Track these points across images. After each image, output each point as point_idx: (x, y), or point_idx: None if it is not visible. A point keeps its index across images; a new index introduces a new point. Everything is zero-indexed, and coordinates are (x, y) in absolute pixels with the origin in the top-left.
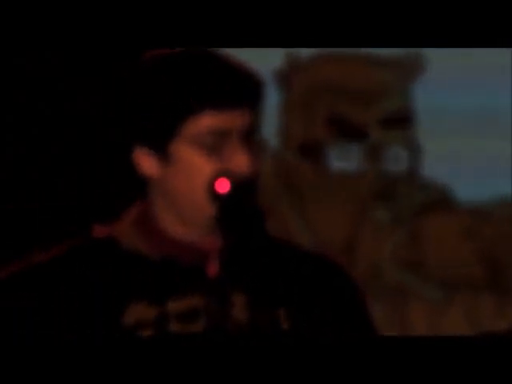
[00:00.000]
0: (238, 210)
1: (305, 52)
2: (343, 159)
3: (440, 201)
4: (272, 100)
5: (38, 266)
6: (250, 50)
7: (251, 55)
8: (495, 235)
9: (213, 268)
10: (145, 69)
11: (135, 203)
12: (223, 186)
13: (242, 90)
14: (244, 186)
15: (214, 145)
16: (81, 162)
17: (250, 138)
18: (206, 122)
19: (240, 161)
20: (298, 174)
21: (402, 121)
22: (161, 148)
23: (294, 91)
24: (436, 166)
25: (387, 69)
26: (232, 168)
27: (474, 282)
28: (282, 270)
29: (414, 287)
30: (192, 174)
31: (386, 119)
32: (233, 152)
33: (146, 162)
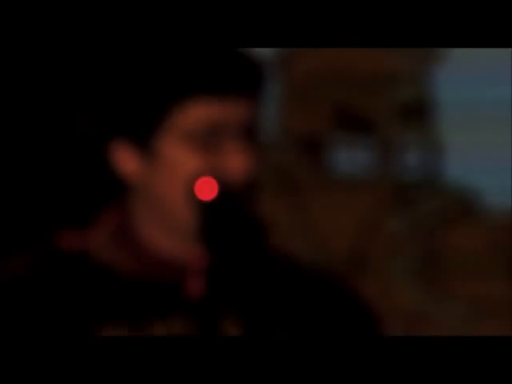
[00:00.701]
0: (226, 222)
1: None
2: (350, 157)
3: (464, 207)
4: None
5: None
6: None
7: None
8: None
9: (194, 288)
10: (126, 51)
11: (109, 208)
12: (209, 191)
13: (242, 74)
14: (235, 192)
15: (207, 140)
16: (44, 158)
17: (249, 134)
18: (198, 112)
19: (235, 161)
20: (299, 176)
21: (417, 112)
22: (143, 141)
23: (294, 79)
24: (460, 167)
25: (398, 53)
26: (225, 169)
27: (504, 302)
28: (279, 291)
29: (433, 309)
30: (176, 175)
31: (398, 110)
32: (228, 150)
33: (126, 158)
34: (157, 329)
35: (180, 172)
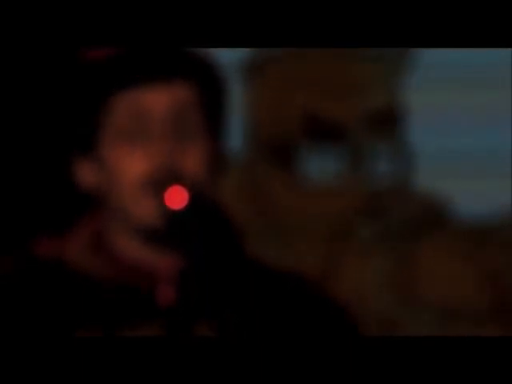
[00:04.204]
0: (198, 229)
1: None
2: (321, 164)
3: (435, 214)
4: (237, 97)
5: None
6: None
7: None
8: (498, 250)
9: (164, 295)
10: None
11: (86, 217)
12: (178, 200)
13: (160, 58)
14: (205, 200)
15: (133, 133)
16: (20, 171)
17: (186, 120)
18: (119, 103)
19: (158, 150)
20: (269, 183)
21: (388, 120)
22: (88, 151)
23: (265, 85)
24: (430, 174)
25: (369, 62)
26: (161, 165)
27: (476, 311)
28: (253, 297)
29: (405, 314)
30: (119, 177)
31: (369, 117)
32: (154, 140)
33: (85, 172)
34: (130, 335)
35: (127, 175)
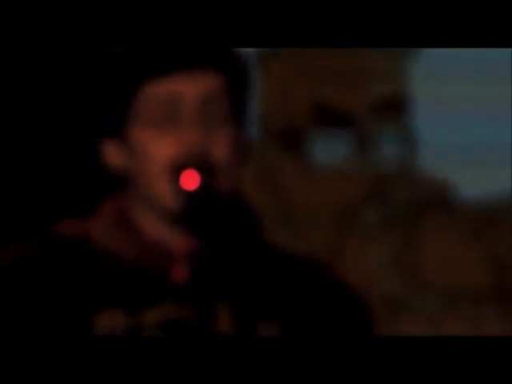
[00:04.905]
0: (209, 210)
1: None
2: (330, 149)
3: (439, 199)
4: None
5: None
6: None
7: None
8: (498, 231)
9: (181, 273)
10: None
11: (110, 198)
12: (192, 182)
13: (187, 51)
14: (217, 182)
15: (164, 119)
16: (50, 157)
17: (214, 108)
18: (152, 91)
19: (188, 136)
20: (280, 171)
21: (395, 107)
22: (119, 134)
23: (274, 75)
24: (435, 159)
25: (377, 52)
26: (189, 151)
27: (477, 291)
28: (267, 277)
29: (408, 297)
30: (147, 161)
31: (376, 105)
32: (184, 126)
33: (113, 155)
34: (149, 313)
35: (150, 158)
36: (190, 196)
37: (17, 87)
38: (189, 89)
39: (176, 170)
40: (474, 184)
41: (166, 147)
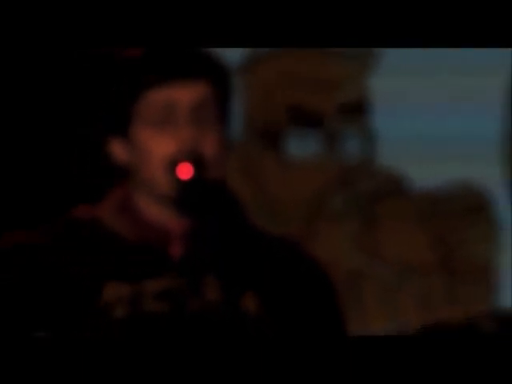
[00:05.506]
0: (201, 195)
1: None
2: (302, 146)
3: (395, 188)
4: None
5: (21, 245)
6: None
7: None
8: (445, 217)
9: (176, 250)
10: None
11: (116, 187)
12: (186, 173)
13: (186, 61)
14: (207, 173)
15: (163, 121)
16: (62, 154)
17: (205, 112)
18: (152, 96)
19: (183, 135)
20: (260, 164)
21: (358, 110)
22: (123, 133)
23: (256, 80)
24: (391, 154)
25: (344, 60)
26: (184, 147)
27: (426, 266)
28: (250, 254)
29: (370, 272)
30: (148, 155)
31: (342, 107)
32: (179, 127)
33: (118, 151)
34: (149, 284)
35: (149, 154)
36: (184, 184)
37: (39, 87)
38: (183, 96)
39: (173, 163)
40: (425, 175)
41: (164, 144)
